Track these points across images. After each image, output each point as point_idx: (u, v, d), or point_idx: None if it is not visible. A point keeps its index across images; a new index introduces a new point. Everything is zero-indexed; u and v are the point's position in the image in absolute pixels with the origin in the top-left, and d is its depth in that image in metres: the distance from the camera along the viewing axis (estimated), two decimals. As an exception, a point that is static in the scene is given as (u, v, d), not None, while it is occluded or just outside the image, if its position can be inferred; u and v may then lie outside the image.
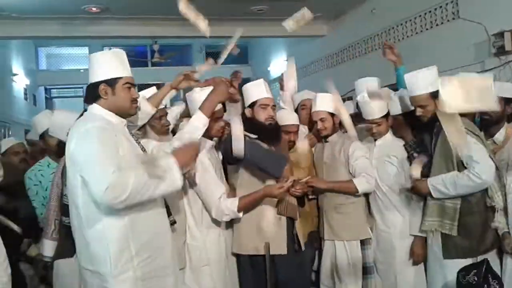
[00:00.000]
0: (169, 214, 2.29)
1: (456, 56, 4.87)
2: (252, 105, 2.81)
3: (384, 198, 3.00)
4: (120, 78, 2.10)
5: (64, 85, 12.11)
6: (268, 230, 2.59)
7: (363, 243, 3.04)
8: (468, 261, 2.53)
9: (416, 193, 2.80)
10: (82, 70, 11.62)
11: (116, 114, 2.12)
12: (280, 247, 2.69)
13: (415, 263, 2.91)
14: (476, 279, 2.28)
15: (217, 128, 2.63)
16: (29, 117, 9.51)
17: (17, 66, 8.92)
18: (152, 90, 2.82)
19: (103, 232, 1.97)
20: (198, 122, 2.41)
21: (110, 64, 2.10)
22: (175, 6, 7.09)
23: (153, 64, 10.57)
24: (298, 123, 3.13)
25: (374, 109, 2.94)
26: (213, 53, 13.08)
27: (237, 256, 2.75)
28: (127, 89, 2.11)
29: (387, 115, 3.00)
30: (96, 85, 2.09)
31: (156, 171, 1.93)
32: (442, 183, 2.63)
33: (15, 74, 8.65)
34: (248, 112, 2.82)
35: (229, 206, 2.52)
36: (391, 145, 3.01)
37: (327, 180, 3.01)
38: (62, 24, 6.95)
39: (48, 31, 7.14)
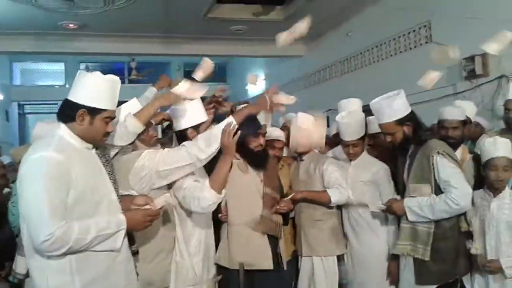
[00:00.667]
0: (131, 243, 2.10)
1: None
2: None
3: (359, 218, 3.03)
4: (105, 110, 1.93)
5: (39, 101, 11.90)
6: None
7: (338, 259, 3.09)
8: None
9: (391, 213, 2.81)
10: (57, 86, 11.49)
11: (82, 140, 1.95)
12: (263, 263, 2.70)
13: (392, 283, 2.92)
14: None
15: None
16: (1, 134, 9.32)
17: (-11, 81, 8.75)
18: (134, 102, 2.64)
19: (44, 263, 1.80)
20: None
21: (100, 91, 1.92)
22: (153, 24, 7.11)
23: (130, 81, 10.50)
24: (284, 139, 3.20)
25: (352, 131, 2.97)
26: (191, 71, 13.02)
27: (223, 269, 2.73)
28: (106, 123, 1.95)
29: (363, 137, 3.04)
30: (75, 106, 1.90)
31: (106, 230, 1.85)
32: (418, 206, 2.61)
33: (-13, 89, 8.47)
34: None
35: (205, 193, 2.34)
36: (366, 165, 3.05)
37: (301, 190, 3.05)
38: (38, 40, 6.88)
39: (23, 46, 7.05)
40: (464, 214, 2.62)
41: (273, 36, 7.91)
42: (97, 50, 7.54)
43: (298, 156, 3.25)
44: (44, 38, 6.88)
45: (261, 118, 3.00)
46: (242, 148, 2.71)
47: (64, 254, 1.78)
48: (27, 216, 1.78)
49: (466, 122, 3.16)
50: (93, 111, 1.90)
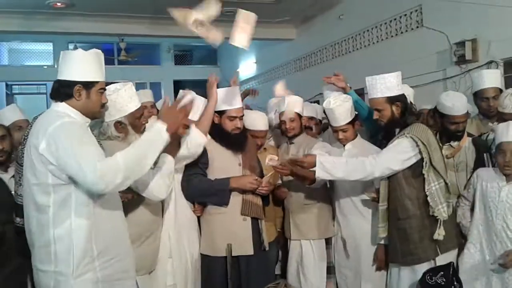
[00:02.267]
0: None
1: (419, 64, 5.00)
2: (220, 112, 2.80)
3: (348, 202, 3.02)
4: (97, 82, 2.05)
5: (27, 81, 11.74)
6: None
7: (327, 242, 3.11)
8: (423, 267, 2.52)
9: (299, 174, 2.79)
10: (45, 67, 11.32)
11: (83, 114, 2.06)
12: (245, 248, 2.72)
13: (379, 268, 2.92)
14: (444, 280, 2.35)
15: None
16: (-12, 113, 9.19)
17: (-24, 60, 8.60)
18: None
19: (70, 232, 1.94)
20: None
21: (89, 65, 2.04)
22: (142, 4, 6.99)
23: (120, 62, 10.38)
24: (266, 128, 3.20)
25: (339, 117, 2.94)
26: (181, 54, 12.95)
27: (207, 257, 2.77)
28: (100, 94, 2.08)
29: (353, 121, 3.00)
30: (70, 84, 2.01)
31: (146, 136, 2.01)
32: (331, 162, 2.62)
33: (-27, 69, 8.32)
34: (216, 118, 2.81)
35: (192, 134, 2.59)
36: (359, 149, 3.00)
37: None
38: (24, 19, 6.74)
39: (10, 25, 6.89)
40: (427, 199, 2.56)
41: (264, 18, 7.87)
42: (85, 30, 7.40)
43: (288, 139, 3.24)
44: (31, 17, 6.74)
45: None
46: (219, 131, 2.75)
47: (130, 181, 1.92)
48: (74, 170, 1.86)
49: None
50: (88, 85, 2.02)
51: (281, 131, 3.31)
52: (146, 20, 7.21)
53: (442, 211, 2.53)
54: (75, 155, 1.86)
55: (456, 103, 2.96)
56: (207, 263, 2.76)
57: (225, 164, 2.77)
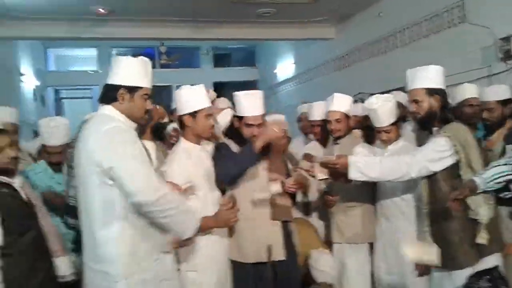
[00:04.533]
0: None
1: (463, 60, 4.84)
2: (240, 117, 2.74)
3: (392, 205, 2.92)
4: (141, 88, 2.13)
5: (73, 86, 12.18)
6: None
7: (372, 246, 3.03)
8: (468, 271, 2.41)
9: (335, 176, 2.65)
10: (90, 71, 11.72)
11: (127, 118, 2.14)
12: (277, 253, 2.65)
13: (422, 273, 2.77)
14: (490, 285, 2.26)
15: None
16: (38, 118, 9.60)
17: (25, 67, 8.98)
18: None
19: (118, 233, 2.00)
20: None
21: (135, 71, 2.12)
22: (181, 8, 7.13)
23: (161, 66, 10.60)
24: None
25: (382, 117, 2.85)
26: (220, 56, 13.10)
27: (238, 263, 2.68)
28: (144, 100, 2.14)
29: (397, 121, 2.90)
30: (115, 87, 2.11)
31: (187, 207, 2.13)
32: (365, 162, 2.51)
33: (22, 74, 8.70)
34: (236, 122, 2.77)
35: None
36: (403, 151, 2.87)
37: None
38: (69, 25, 7.00)
39: (56, 32, 7.18)
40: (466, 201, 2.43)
41: (302, 18, 7.87)
42: (126, 35, 7.62)
43: (333, 139, 3.19)
44: (76, 24, 6.99)
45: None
46: (239, 136, 2.70)
47: (164, 214, 2.01)
48: (127, 173, 1.95)
49: (507, 101, 3.07)
50: (132, 89, 2.11)
51: (327, 131, 3.26)
52: (185, 24, 7.34)
53: (482, 213, 2.40)
54: (132, 161, 1.97)
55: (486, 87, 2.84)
56: (237, 269, 2.67)
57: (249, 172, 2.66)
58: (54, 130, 3.17)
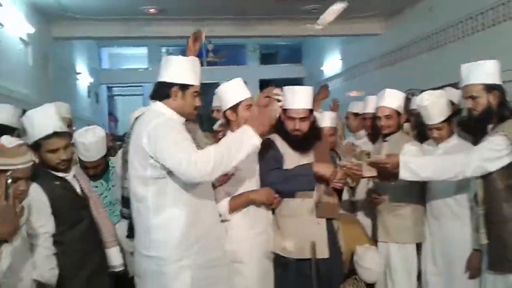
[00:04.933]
0: None
1: (520, 55, 4.60)
2: (284, 110, 2.70)
3: (443, 205, 2.83)
4: (192, 85, 2.23)
5: (125, 83, 12.61)
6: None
7: (419, 247, 2.96)
8: None
9: (384, 175, 2.57)
10: (141, 69, 12.09)
11: (177, 113, 2.25)
12: (321, 251, 2.62)
13: (472, 276, 2.70)
14: None
15: None
16: (92, 114, 10.02)
17: (80, 65, 9.38)
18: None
19: (169, 220, 2.13)
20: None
21: (187, 70, 2.23)
22: (227, 6, 7.20)
23: (208, 64, 10.77)
24: (333, 125, 3.09)
25: (433, 114, 2.76)
26: (266, 53, 13.10)
27: (280, 257, 2.67)
28: (194, 97, 2.26)
29: (449, 119, 2.80)
30: (168, 85, 2.22)
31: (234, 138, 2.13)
32: (417, 162, 2.43)
33: (78, 73, 9.10)
34: (282, 115, 2.73)
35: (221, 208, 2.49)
36: (456, 149, 2.77)
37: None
38: (121, 25, 7.25)
39: (108, 32, 7.46)
40: None
41: (350, 13, 7.70)
42: (175, 34, 7.77)
43: (382, 136, 3.12)
44: (127, 24, 7.23)
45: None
46: (283, 129, 2.67)
47: (220, 173, 2.07)
48: (171, 160, 2.04)
49: None
50: (184, 87, 2.22)
51: (377, 127, 3.19)
52: (232, 21, 7.41)
53: None
54: (173, 148, 2.04)
55: None
56: (279, 263, 2.65)
57: (295, 164, 2.64)
58: (91, 146, 2.97)
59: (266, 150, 2.66)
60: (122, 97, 13.38)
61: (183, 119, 2.27)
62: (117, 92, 13.42)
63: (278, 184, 2.58)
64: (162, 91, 2.24)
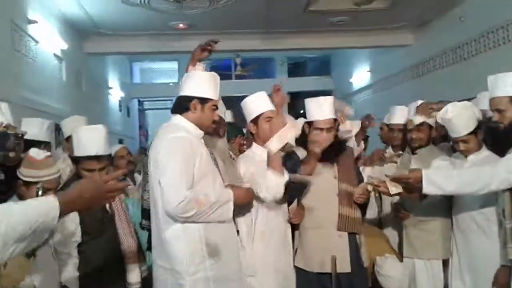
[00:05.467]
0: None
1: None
2: (309, 123, 2.75)
3: (469, 220, 2.74)
4: (211, 99, 2.32)
5: (156, 97, 12.84)
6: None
7: (445, 263, 2.88)
8: None
9: (408, 190, 2.51)
10: (171, 84, 12.29)
11: (196, 127, 2.32)
12: (343, 265, 2.59)
13: None
14: None
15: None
16: (122, 128, 10.24)
17: (112, 80, 9.62)
18: None
19: (180, 232, 2.16)
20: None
21: (206, 84, 2.32)
22: (255, 20, 7.24)
23: (237, 77, 10.87)
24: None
25: (458, 126, 2.68)
26: (294, 66, 13.12)
27: (302, 271, 2.67)
28: (213, 111, 2.33)
29: (476, 130, 2.70)
30: (188, 98, 2.30)
31: (221, 198, 2.20)
32: (440, 175, 2.38)
33: (110, 88, 9.33)
34: (306, 128, 2.78)
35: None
36: (485, 161, 2.67)
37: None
38: (152, 40, 7.42)
39: (139, 47, 7.65)
40: None
41: (378, 25, 7.68)
42: (204, 48, 7.91)
43: (412, 150, 3.07)
44: (157, 39, 7.39)
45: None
46: (306, 140, 2.70)
47: (192, 220, 2.12)
48: (166, 185, 2.12)
49: None
50: (203, 101, 2.30)
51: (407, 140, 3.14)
52: (260, 35, 7.48)
53: None
54: (173, 174, 2.12)
55: None
56: (302, 277, 2.65)
57: (319, 177, 2.67)
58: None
59: (289, 164, 2.66)
60: (152, 111, 13.61)
61: (201, 133, 2.33)
62: (148, 106, 13.65)
63: (289, 195, 2.58)
64: (182, 105, 2.32)
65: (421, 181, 2.39)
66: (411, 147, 3.06)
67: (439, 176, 2.44)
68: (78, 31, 6.81)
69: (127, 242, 2.64)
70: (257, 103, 2.63)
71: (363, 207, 2.75)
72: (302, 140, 2.79)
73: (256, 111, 2.60)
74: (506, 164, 2.34)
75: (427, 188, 2.40)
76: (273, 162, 2.41)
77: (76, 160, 2.55)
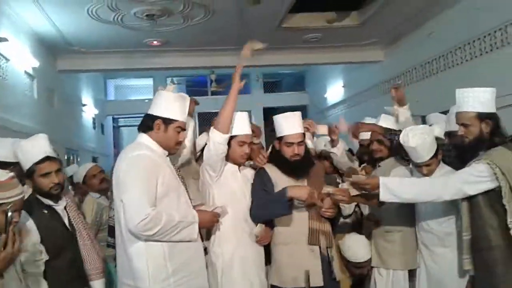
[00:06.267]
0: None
1: (519, 80, 4.62)
2: (280, 138, 2.77)
3: (430, 232, 2.79)
4: (176, 120, 2.32)
5: (130, 114, 12.72)
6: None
7: (411, 274, 2.91)
8: None
9: (367, 197, 2.58)
10: (146, 100, 12.20)
11: (160, 146, 2.33)
12: (314, 279, 2.62)
13: None
14: None
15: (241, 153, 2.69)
16: (96, 145, 10.10)
17: (86, 97, 9.51)
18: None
19: (143, 250, 2.15)
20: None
21: (172, 105, 2.33)
22: (229, 37, 7.30)
23: (213, 93, 10.88)
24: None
25: (422, 154, 2.66)
26: (270, 82, 13.19)
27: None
28: (177, 132, 2.34)
29: (436, 152, 2.70)
30: (153, 118, 2.31)
31: (186, 219, 2.22)
32: (397, 183, 2.43)
33: (84, 105, 9.22)
34: (276, 144, 2.81)
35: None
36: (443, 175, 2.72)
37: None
38: (126, 57, 7.40)
39: (113, 64, 7.62)
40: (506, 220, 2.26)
41: (349, 42, 7.81)
42: (179, 65, 7.93)
43: (374, 161, 3.12)
44: (132, 56, 7.38)
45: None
46: (279, 157, 2.73)
47: (154, 238, 2.12)
48: (127, 202, 2.12)
49: None
50: (167, 121, 2.31)
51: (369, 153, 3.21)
52: (234, 52, 7.50)
53: None
54: (135, 192, 2.12)
55: None
56: None
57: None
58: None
59: (258, 181, 2.71)
60: (127, 128, 13.47)
61: (165, 152, 2.33)
62: (123, 123, 13.52)
63: (256, 209, 2.65)
64: (146, 123, 2.33)
65: (378, 188, 2.44)
66: (374, 159, 3.11)
67: (396, 184, 2.47)
68: (50, 48, 6.74)
69: (90, 258, 2.59)
70: (235, 123, 2.65)
71: (334, 220, 2.80)
72: (274, 156, 2.81)
73: (233, 131, 2.63)
74: (461, 175, 2.39)
75: (384, 195, 2.44)
76: (221, 117, 2.52)
77: (29, 174, 2.45)
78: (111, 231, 2.54)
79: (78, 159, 8.26)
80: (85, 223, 2.69)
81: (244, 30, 6.42)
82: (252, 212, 2.67)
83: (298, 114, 2.78)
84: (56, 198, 2.48)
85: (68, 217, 2.53)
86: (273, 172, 2.74)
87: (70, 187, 4.02)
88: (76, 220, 2.57)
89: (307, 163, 2.76)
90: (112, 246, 2.89)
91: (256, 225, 2.67)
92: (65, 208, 2.53)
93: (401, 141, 2.68)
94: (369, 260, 2.99)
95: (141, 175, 2.15)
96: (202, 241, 2.44)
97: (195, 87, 11.70)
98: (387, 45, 7.64)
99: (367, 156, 3.41)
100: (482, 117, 2.40)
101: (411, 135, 2.64)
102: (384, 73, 7.92)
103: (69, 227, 2.51)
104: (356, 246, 2.97)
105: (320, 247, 2.67)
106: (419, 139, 2.62)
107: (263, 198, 2.66)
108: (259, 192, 2.70)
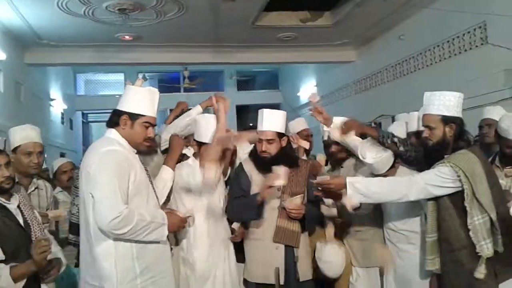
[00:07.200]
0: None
1: (486, 82, 4.77)
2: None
3: (396, 231, 2.84)
4: (143, 116, 2.23)
5: (101, 109, 12.48)
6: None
7: (382, 271, 2.97)
8: None
9: (333, 197, 2.60)
10: (117, 96, 11.95)
11: (128, 143, 2.26)
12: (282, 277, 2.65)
13: None
14: None
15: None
16: (65, 141, 9.87)
17: (55, 92, 9.28)
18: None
19: (112, 249, 2.08)
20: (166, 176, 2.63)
21: (139, 100, 2.24)
22: (204, 34, 7.23)
23: (186, 90, 10.79)
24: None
25: (379, 168, 2.70)
26: (244, 79, 13.18)
27: (247, 282, 2.76)
28: (145, 128, 2.24)
29: (394, 164, 2.73)
30: (119, 113, 2.23)
31: (156, 219, 2.17)
32: (363, 183, 2.45)
33: (52, 99, 8.99)
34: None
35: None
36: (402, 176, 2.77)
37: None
38: (97, 52, 7.26)
39: (84, 58, 7.46)
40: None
41: (322, 42, 7.88)
42: (151, 60, 7.82)
43: (336, 163, 3.17)
44: (103, 50, 7.24)
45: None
46: (255, 153, 2.77)
47: (125, 238, 2.05)
48: (99, 199, 2.03)
49: None
50: (133, 116, 2.22)
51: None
52: (208, 49, 7.49)
53: (485, 247, 2.28)
54: (107, 190, 2.04)
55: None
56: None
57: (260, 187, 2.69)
58: None
59: (235, 176, 2.73)
60: (97, 124, 13.22)
61: (133, 149, 2.26)
62: (92, 119, 13.26)
63: (231, 214, 2.73)
64: (114, 119, 2.24)
65: (345, 187, 2.44)
66: (336, 160, 3.16)
67: (362, 183, 2.48)
68: (18, 41, 6.55)
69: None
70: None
71: (304, 220, 2.76)
72: (252, 151, 2.82)
73: (205, 137, 2.69)
74: (426, 176, 2.42)
75: (352, 195, 2.44)
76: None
77: (14, 151, 2.53)
78: (75, 228, 2.44)
79: (45, 155, 8.04)
80: (40, 222, 2.53)
81: (219, 27, 6.40)
82: (227, 213, 2.75)
83: (280, 113, 2.77)
84: (8, 195, 2.30)
85: (23, 216, 2.35)
86: (249, 166, 2.77)
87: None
88: (32, 218, 2.38)
89: (281, 163, 2.67)
90: (73, 244, 2.80)
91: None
92: (18, 206, 2.34)
93: (361, 157, 2.73)
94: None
95: (114, 171, 2.06)
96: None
97: (167, 83, 11.59)
98: (359, 45, 7.75)
99: (330, 160, 3.40)
100: (446, 120, 2.44)
101: (368, 154, 2.70)
102: (356, 73, 8.03)
103: (24, 226, 2.32)
104: (333, 264, 2.93)
105: (285, 246, 2.69)
106: (376, 158, 2.68)
107: (236, 203, 2.71)
108: (234, 188, 2.76)
